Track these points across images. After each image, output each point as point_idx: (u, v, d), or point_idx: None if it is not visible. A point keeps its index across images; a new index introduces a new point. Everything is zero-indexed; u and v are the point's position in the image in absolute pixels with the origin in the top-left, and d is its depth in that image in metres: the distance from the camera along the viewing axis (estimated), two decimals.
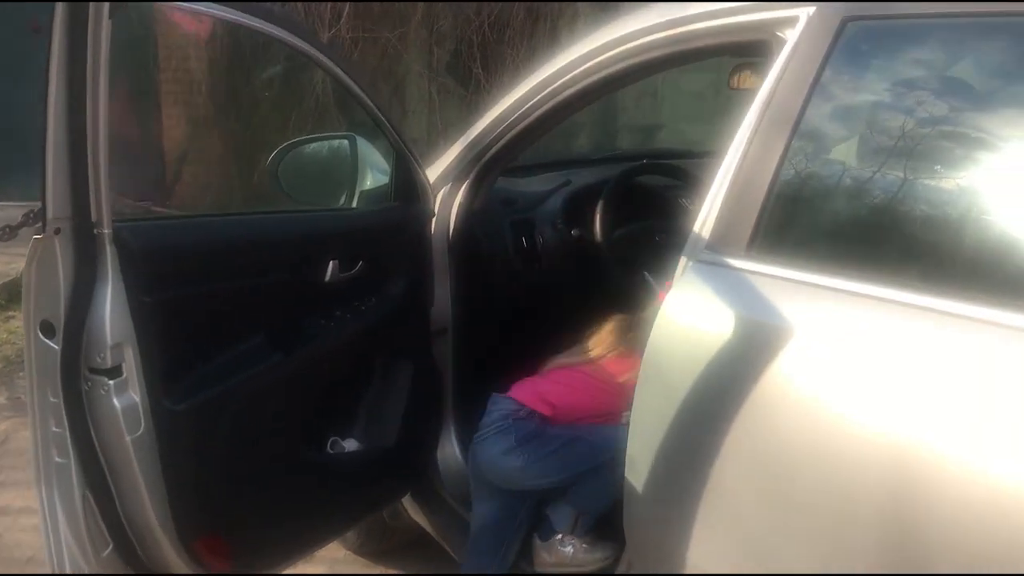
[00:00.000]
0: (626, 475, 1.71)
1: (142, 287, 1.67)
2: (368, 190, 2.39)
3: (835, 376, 1.39)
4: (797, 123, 1.55)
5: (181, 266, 1.76)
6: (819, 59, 1.55)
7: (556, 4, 7.63)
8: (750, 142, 1.62)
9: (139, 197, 6.24)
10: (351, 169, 2.38)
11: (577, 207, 2.66)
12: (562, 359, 2.35)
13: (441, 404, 2.51)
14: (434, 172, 2.48)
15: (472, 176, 2.47)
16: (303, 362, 2.02)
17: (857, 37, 1.55)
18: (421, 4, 7.54)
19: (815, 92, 1.55)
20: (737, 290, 1.55)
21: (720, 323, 1.53)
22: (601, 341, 2.30)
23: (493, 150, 2.40)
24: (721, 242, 1.61)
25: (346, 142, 2.40)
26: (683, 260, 1.69)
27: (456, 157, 2.47)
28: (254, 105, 6.97)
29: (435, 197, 2.46)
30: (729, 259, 1.59)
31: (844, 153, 1.55)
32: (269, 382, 1.93)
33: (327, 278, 2.09)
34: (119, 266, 1.63)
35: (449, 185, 2.51)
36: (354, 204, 2.37)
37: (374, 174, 2.42)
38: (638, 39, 1.91)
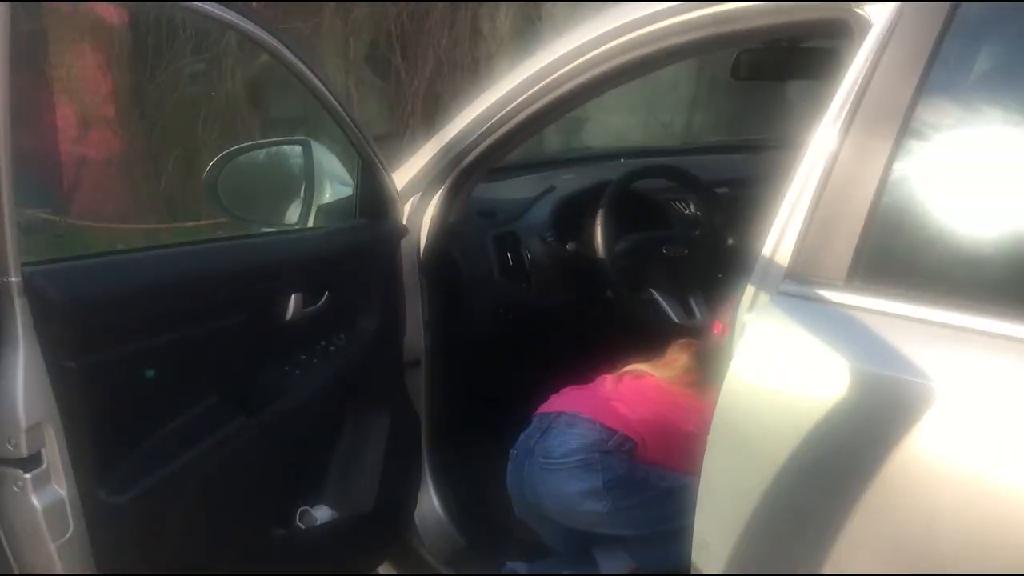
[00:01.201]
0: (693, 558, 1.39)
1: (65, 349, 1.27)
2: (327, 205, 2.02)
3: (997, 447, 1.09)
4: (906, 119, 1.25)
5: (115, 318, 1.36)
6: (930, 40, 1.25)
7: None
8: (840, 143, 1.31)
9: (33, 205, 5.68)
10: (306, 180, 2.00)
11: (568, 217, 2.33)
12: (629, 368, 2.00)
13: (419, 454, 2.15)
14: (400, 180, 2.12)
15: (448, 184, 2.11)
16: (267, 424, 1.64)
17: (979, 14, 1.25)
18: None
19: (927, 81, 1.24)
20: (842, 332, 1.23)
21: (827, 377, 1.22)
22: (672, 363, 1.95)
23: (473, 154, 2.05)
24: (809, 269, 1.30)
25: (299, 148, 2.01)
26: (750, 290, 1.37)
27: (427, 163, 2.11)
28: (160, 104, 6.43)
29: (403, 209, 2.10)
30: (823, 291, 1.27)
31: (977, 155, 1.25)
32: (228, 454, 1.55)
33: (289, 316, 1.72)
34: (33, 324, 1.24)
35: (419, 195, 2.15)
36: (310, 222, 1.99)
37: (333, 185, 2.05)
38: (670, 18, 1.58)
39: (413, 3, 7.05)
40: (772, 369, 1.29)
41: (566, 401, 1.98)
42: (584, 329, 2.33)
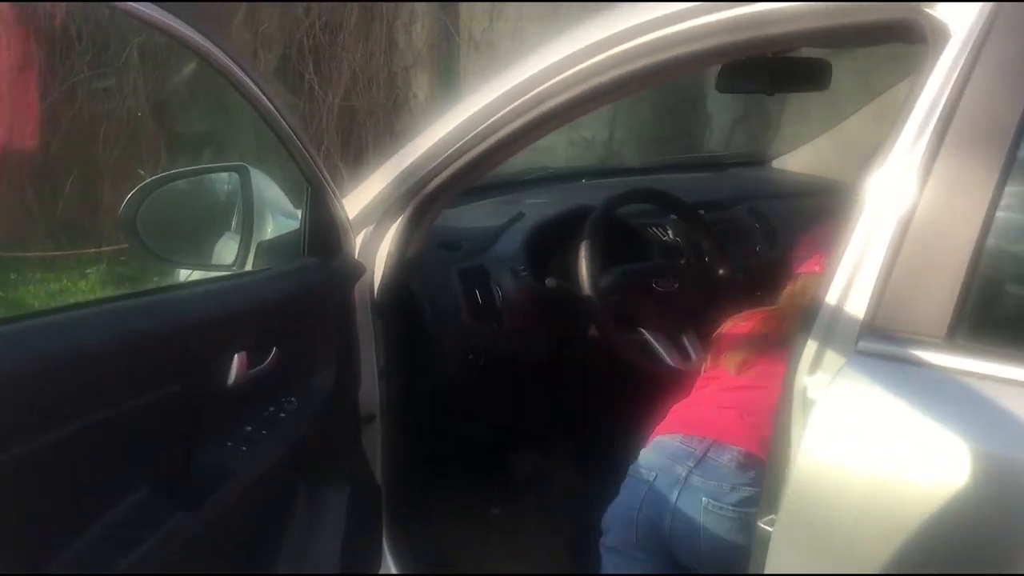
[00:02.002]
0: None
1: None
2: (269, 242, 1.72)
3: None
4: (1015, 144, 1.02)
5: (15, 403, 1.04)
6: None
7: (392, 4, 7.02)
8: (925, 173, 1.08)
9: None
10: (243, 213, 1.70)
11: (543, 248, 2.07)
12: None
13: (380, 524, 1.86)
14: (350, 209, 1.83)
15: (408, 214, 1.83)
16: (210, 518, 1.33)
17: None
18: (243, 3, 6.76)
19: None
20: (950, 402, 1.00)
21: (933, 457, 0.98)
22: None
23: (438, 180, 1.78)
24: (895, 323, 1.07)
25: (234, 175, 1.71)
26: (812, 348, 1.13)
27: (383, 190, 1.83)
28: (55, 121, 5.96)
29: (354, 242, 1.82)
30: (918, 351, 1.04)
31: None
32: (161, 562, 1.24)
33: (231, 381, 1.42)
34: None
35: (373, 226, 1.87)
36: (250, 263, 1.69)
37: (276, 218, 1.75)
38: (691, 20, 1.33)
39: (326, 15, 6.74)
40: (858, 447, 1.06)
41: (710, 419, 1.75)
42: (564, 374, 2.07)
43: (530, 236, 2.03)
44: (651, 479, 1.73)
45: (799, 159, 2.93)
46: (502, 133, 1.67)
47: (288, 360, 1.55)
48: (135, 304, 1.34)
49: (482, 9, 6.78)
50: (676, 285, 1.98)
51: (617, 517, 1.79)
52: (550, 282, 1.97)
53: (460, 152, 1.73)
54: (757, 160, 3.03)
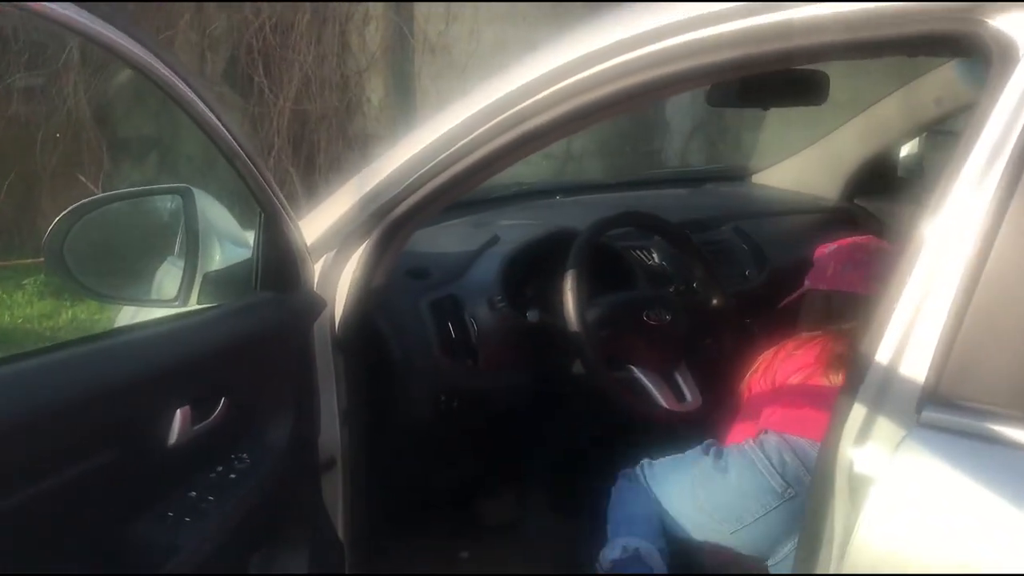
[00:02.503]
0: None
1: None
2: (217, 274, 1.52)
3: None
4: None
5: None
6: None
7: (345, 5, 6.82)
8: (998, 214, 0.92)
9: None
10: (187, 241, 1.50)
11: (521, 276, 1.89)
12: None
13: None
14: (307, 233, 1.64)
15: (374, 239, 1.64)
16: None
17: None
18: (190, 4, 6.51)
19: None
20: None
21: None
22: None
23: (409, 202, 1.59)
24: (968, 391, 0.91)
25: (178, 199, 1.51)
26: (860, 416, 0.97)
27: (345, 213, 1.65)
28: None
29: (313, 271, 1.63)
30: (1001, 425, 0.88)
31: None
32: None
33: (173, 440, 1.22)
34: None
35: (333, 253, 1.68)
36: (194, 298, 1.49)
37: (224, 247, 1.55)
38: (702, 28, 1.16)
39: (276, 16, 6.51)
40: (932, 534, 0.89)
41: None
42: (547, 416, 1.90)
43: (507, 263, 1.84)
44: (788, 495, 1.56)
45: (780, 174, 2.79)
46: (482, 152, 1.49)
47: (239, 412, 1.36)
48: (62, 358, 1.14)
49: (437, 11, 6.60)
50: (668, 317, 1.81)
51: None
52: (532, 315, 1.79)
53: (434, 172, 1.55)
54: (736, 175, 2.88)
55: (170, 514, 1.24)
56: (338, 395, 1.70)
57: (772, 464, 1.56)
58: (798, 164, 2.78)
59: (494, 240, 1.88)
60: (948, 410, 0.91)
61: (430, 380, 1.71)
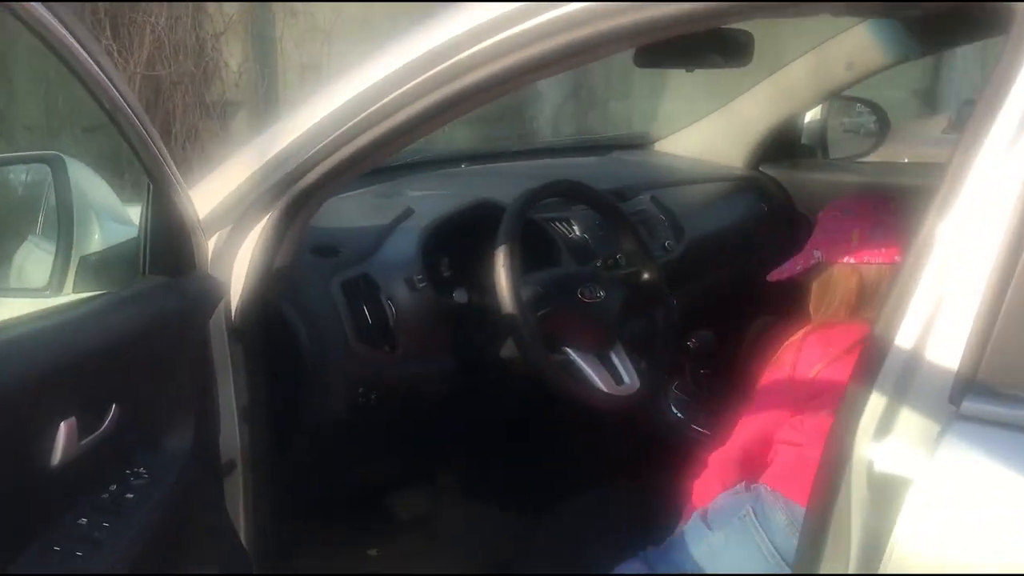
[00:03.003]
0: None
1: None
2: (96, 257, 1.30)
3: None
4: None
5: None
6: None
7: None
8: None
9: None
10: (60, 219, 1.27)
11: (442, 252, 1.71)
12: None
13: None
14: (197, 207, 1.43)
15: (277, 214, 1.45)
16: None
17: None
18: None
19: None
20: None
21: None
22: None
23: (320, 169, 1.40)
24: (1010, 377, 0.80)
25: (45, 168, 1.27)
26: (879, 404, 0.86)
27: (243, 183, 1.44)
28: None
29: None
30: None
31: None
32: None
33: (57, 458, 1.01)
34: None
35: (228, 229, 1.47)
36: (68, 286, 1.27)
37: (104, 224, 1.33)
38: None
39: None
40: (987, 541, 0.79)
41: None
42: (477, 406, 1.74)
43: (426, 238, 1.66)
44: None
45: (684, 142, 2.70)
46: (413, 110, 1.31)
47: (132, 419, 1.15)
48: None
49: None
50: (601, 294, 1.68)
51: None
52: (459, 295, 1.62)
53: (352, 134, 1.36)
54: (638, 143, 2.78)
55: (56, 548, 1.03)
56: (236, 390, 1.50)
57: (777, 551, 1.37)
58: (702, 131, 2.70)
59: (408, 213, 1.70)
60: (991, 400, 0.81)
61: (346, 371, 1.52)
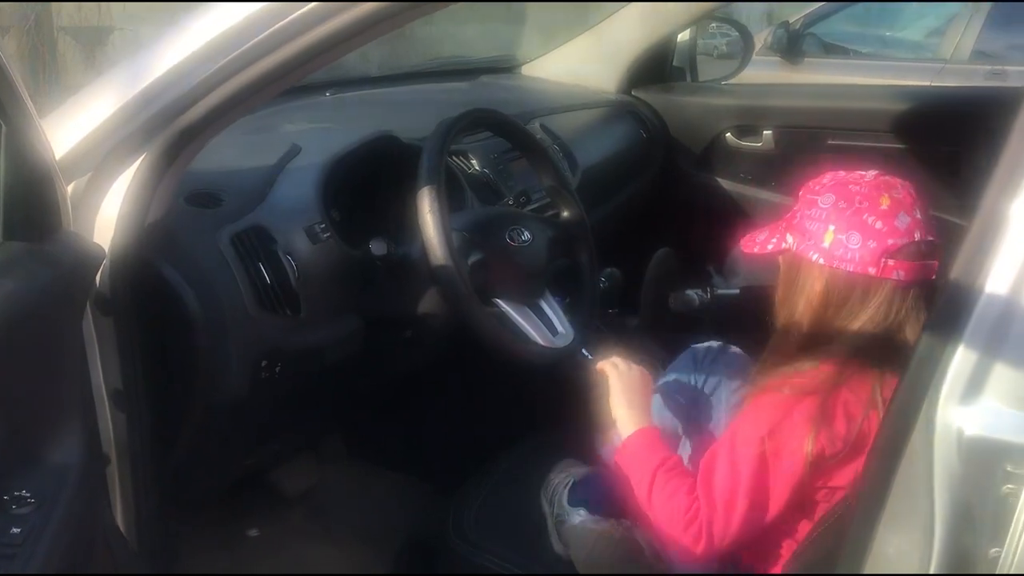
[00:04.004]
0: None
1: None
2: None
3: None
4: None
5: None
6: None
7: None
8: None
9: None
10: None
11: (346, 195, 1.47)
12: None
13: None
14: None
15: (153, 156, 1.19)
16: None
17: None
18: None
19: None
20: None
21: None
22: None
23: (208, 102, 1.16)
24: None
25: None
26: (964, 364, 0.75)
27: (108, 120, 1.18)
28: None
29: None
30: None
31: None
32: None
33: None
34: None
35: (87, 178, 1.21)
36: None
37: None
38: None
39: None
40: None
41: None
42: (395, 373, 1.53)
43: (323, 180, 1.41)
44: None
45: (552, 66, 2.54)
46: (320, 33, 1.09)
47: (5, 429, 0.90)
48: None
49: None
50: (527, 236, 1.50)
51: None
52: (376, 246, 1.38)
53: (245, 61, 1.12)
54: (504, 66, 2.59)
55: None
56: (105, 371, 1.24)
57: None
58: (571, 54, 2.55)
59: (295, 151, 1.45)
60: None
61: (244, 342, 1.28)
